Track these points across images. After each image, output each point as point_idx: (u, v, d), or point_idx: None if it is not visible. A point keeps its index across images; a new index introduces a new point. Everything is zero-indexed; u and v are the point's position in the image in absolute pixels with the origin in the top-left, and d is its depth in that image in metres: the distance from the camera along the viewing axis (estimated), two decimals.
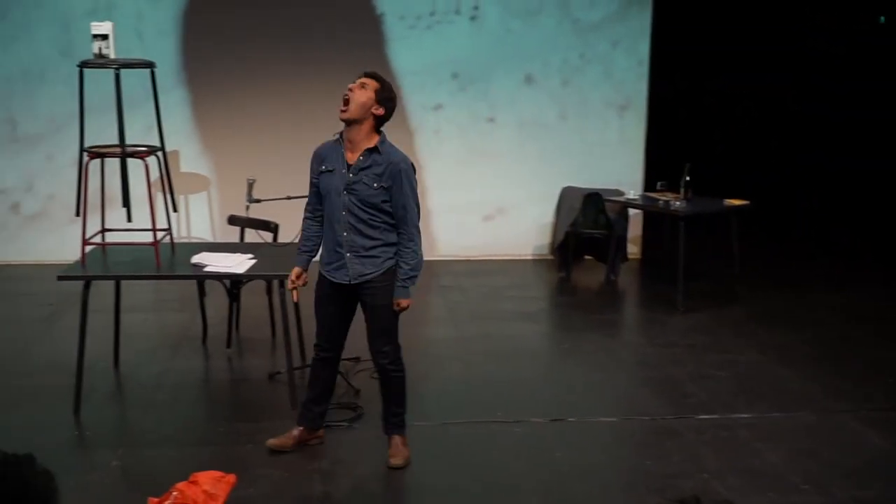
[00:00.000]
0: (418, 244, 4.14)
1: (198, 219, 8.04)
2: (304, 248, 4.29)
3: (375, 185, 4.00)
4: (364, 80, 4.05)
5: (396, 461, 4.21)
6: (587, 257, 8.14)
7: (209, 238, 7.92)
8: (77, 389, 4.76)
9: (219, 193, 8.06)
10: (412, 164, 4.10)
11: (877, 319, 6.62)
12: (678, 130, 10.19)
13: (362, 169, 4.01)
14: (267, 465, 4.20)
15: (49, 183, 7.86)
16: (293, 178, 6.83)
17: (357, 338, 5.84)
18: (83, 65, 4.96)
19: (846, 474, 4.15)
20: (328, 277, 4.15)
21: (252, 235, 5.73)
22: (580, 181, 8.07)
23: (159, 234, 4.99)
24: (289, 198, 5.12)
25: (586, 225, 7.85)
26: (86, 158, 4.91)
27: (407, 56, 8.07)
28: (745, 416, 4.84)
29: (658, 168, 8.10)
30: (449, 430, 4.64)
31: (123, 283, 5.50)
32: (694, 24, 10.58)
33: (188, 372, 5.50)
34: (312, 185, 4.19)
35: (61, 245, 7.34)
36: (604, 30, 8.18)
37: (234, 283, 5.60)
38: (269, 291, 5.71)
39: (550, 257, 8.31)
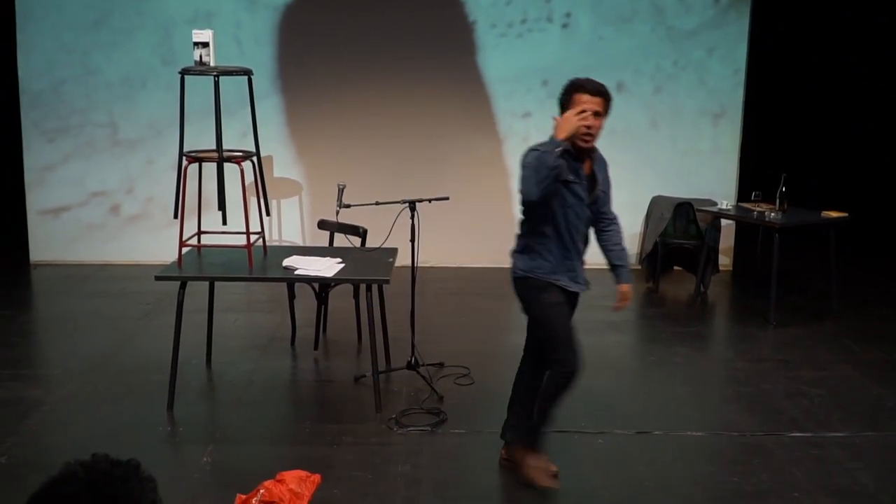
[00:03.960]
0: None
1: (289, 223, 8.21)
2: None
3: (606, 190, 4.05)
4: (600, 103, 3.85)
5: (544, 481, 4.02)
6: (676, 268, 8.00)
7: (300, 242, 8.08)
8: (171, 386, 4.91)
9: (310, 198, 8.21)
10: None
11: None
12: (775, 140, 9.93)
13: (598, 178, 3.99)
14: (351, 467, 4.26)
15: (148, 186, 8.13)
16: (382, 184, 6.95)
17: (441, 342, 5.91)
18: (184, 72, 5.12)
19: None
20: (566, 287, 4.02)
21: (341, 240, 5.82)
22: (671, 190, 7.95)
23: (252, 237, 5.12)
24: (377, 203, 5.19)
25: (676, 235, 7.72)
26: (184, 163, 5.07)
27: (497, 64, 8.08)
28: (838, 434, 4.68)
29: (753, 178, 7.90)
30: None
31: (217, 283, 5.65)
32: (793, 30, 10.30)
33: (276, 372, 5.62)
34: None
35: (159, 246, 7.60)
36: (699, 37, 8.04)
37: (322, 287, 5.69)
38: (356, 295, 5.79)
39: (639, 267, 8.19)
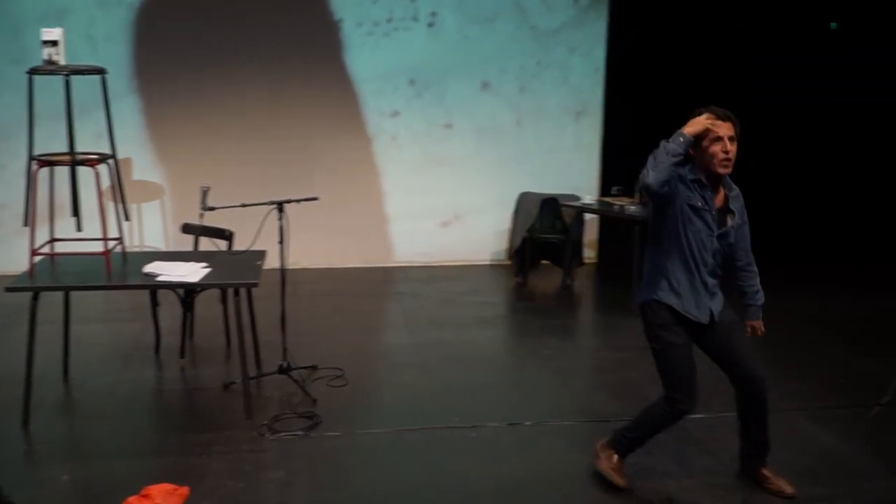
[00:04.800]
0: None
1: (151, 228, 7.94)
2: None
3: (739, 226, 3.97)
4: (730, 128, 3.79)
5: (788, 489, 4.03)
6: (544, 262, 8.18)
7: (163, 247, 7.83)
8: (26, 402, 4.67)
9: (172, 202, 7.97)
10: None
11: (826, 321, 6.74)
12: (634, 136, 10.27)
13: (734, 212, 3.93)
14: (221, 476, 4.15)
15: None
16: (248, 186, 6.80)
17: (314, 344, 5.84)
18: (32, 71, 4.88)
19: (799, 473, 4.20)
20: (692, 318, 3.97)
21: (207, 244, 5.67)
22: (537, 187, 8.12)
23: (110, 244, 4.92)
24: (244, 205, 5.08)
25: (543, 230, 7.90)
26: (34, 167, 4.83)
27: (364, 63, 8.06)
28: (701, 416, 4.86)
29: (614, 173, 8.17)
30: (405, 436, 4.63)
31: (74, 293, 5.41)
32: (650, 30, 10.69)
33: (140, 383, 5.42)
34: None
35: (10, 255, 7.19)
36: (561, 36, 8.24)
37: (187, 293, 5.53)
38: (223, 300, 5.65)
39: (508, 262, 8.34)
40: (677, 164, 3.73)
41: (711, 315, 3.97)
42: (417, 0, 8.03)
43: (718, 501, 4.01)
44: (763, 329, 4.12)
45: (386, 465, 4.34)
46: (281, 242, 5.08)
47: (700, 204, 3.83)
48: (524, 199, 8.08)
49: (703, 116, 3.80)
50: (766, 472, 4.12)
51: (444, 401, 5.12)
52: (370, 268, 8.25)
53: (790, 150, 9.63)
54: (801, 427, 4.78)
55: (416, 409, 5.03)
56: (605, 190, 8.05)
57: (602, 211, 7.41)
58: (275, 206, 5.11)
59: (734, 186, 3.94)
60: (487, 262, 8.43)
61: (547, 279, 7.96)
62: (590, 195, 7.78)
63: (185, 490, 3.77)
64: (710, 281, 3.94)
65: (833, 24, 8.90)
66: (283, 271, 5.15)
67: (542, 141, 8.36)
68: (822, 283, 7.88)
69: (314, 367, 5.51)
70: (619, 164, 8.51)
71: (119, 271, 4.92)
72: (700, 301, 3.93)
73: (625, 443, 4.17)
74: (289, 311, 5.28)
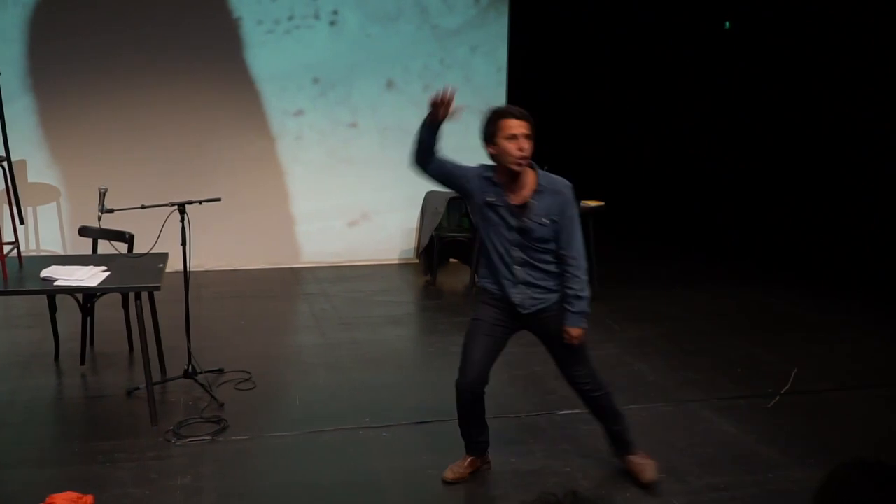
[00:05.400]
0: None
1: (47, 231, 7.69)
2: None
3: (549, 223, 3.90)
4: (527, 126, 3.86)
5: (648, 475, 4.10)
6: (452, 260, 8.25)
7: (60, 251, 7.59)
8: None
9: (69, 204, 7.73)
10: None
11: (727, 314, 6.98)
12: (537, 134, 10.46)
13: (534, 208, 3.89)
14: (126, 484, 4.06)
15: None
16: (148, 187, 6.66)
17: (221, 348, 5.75)
18: None
19: (700, 462, 4.35)
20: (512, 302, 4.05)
21: (106, 247, 5.53)
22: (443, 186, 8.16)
23: (6, 248, 4.75)
24: (144, 207, 4.97)
25: (450, 228, 7.96)
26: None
27: (266, 61, 7.97)
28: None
29: None
30: (315, 438, 4.61)
31: None
32: (551, 29, 10.89)
33: (40, 391, 5.24)
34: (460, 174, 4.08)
35: None
36: (463, 35, 8.31)
37: (86, 297, 5.38)
38: (125, 304, 5.52)
39: (416, 261, 8.38)
40: (427, 146, 4.09)
41: (531, 308, 4.02)
42: None
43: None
44: (578, 338, 4.00)
45: (296, 467, 4.31)
46: (183, 244, 4.98)
47: (493, 199, 3.95)
48: (431, 198, 8.13)
49: (502, 136, 3.86)
50: (631, 458, 4.22)
51: (355, 401, 5.11)
52: (277, 269, 8.17)
53: (702, 143, 9.95)
54: (702, 417, 4.95)
55: (326, 410, 5.01)
56: None
57: None
58: (176, 207, 5.00)
59: (559, 184, 3.92)
60: (396, 262, 8.45)
61: (455, 277, 8.03)
62: None
63: (89, 499, 3.68)
64: (523, 274, 3.97)
65: (727, 24, 9.23)
66: (186, 274, 5.05)
67: (448, 140, 8.33)
68: (722, 275, 8.17)
69: (221, 371, 5.43)
70: None
71: (15, 276, 4.75)
72: (510, 291, 4.01)
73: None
74: (193, 315, 5.20)
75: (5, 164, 4.93)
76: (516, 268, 3.95)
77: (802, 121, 8.43)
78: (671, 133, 10.30)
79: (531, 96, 10.05)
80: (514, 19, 8.43)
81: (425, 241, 8.04)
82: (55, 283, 4.65)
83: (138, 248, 5.39)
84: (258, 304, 7.20)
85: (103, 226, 5.23)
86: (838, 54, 7.94)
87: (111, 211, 4.88)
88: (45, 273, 4.73)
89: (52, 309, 5.61)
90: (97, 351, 5.78)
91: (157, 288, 4.70)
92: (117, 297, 5.50)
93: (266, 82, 8.01)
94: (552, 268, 3.97)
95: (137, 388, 5.07)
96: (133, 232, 5.50)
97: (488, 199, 3.94)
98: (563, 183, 3.95)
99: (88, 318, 5.56)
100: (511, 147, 3.84)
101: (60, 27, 7.53)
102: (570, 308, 3.98)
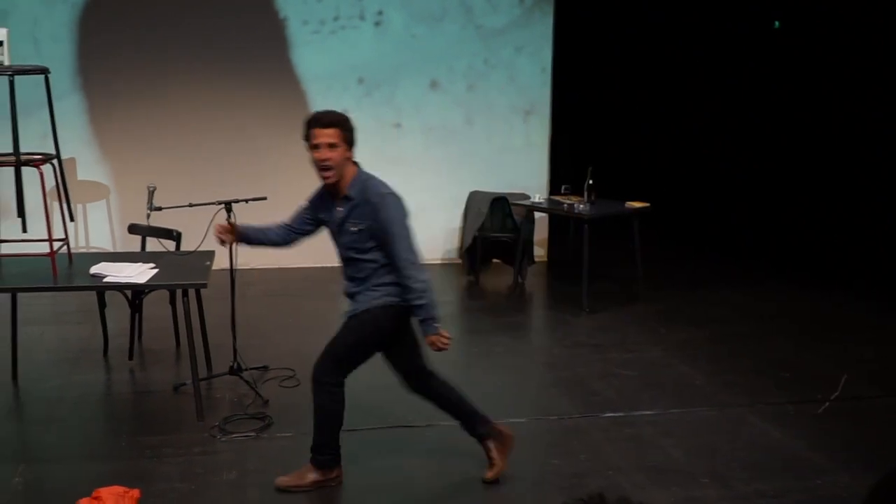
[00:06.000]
0: None
1: (97, 228, 7.82)
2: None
3: (366, 229, 3.92)
4: (327, 134, 3.83)
5: (285, 479, 4.05)
6: (495, 261, 8.24)
7: (109, 248, 7.71)
8: None
9: (118, 202, 7.85)
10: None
11: (773, 317, 6.88)
12: (582, 135, 10.40)
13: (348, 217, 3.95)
14: (172, 478, 4.12)
15: None
16: (195, 185, 6.74)
17: (265, 345, 5.80)
18: None
19: (746, 467, 4.30)
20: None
21: (154, 244, 5.61)
22: (487, 185, 8.17)
23: (56, 245, 4.84)
24: (191, 205, 5.03)
25: (493, 229, 7.95)
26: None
27: (311, 61, 8.03)
28: (649, 412, 4.97)
29: (563, 172, 8.26)
30: (358, 436, 4.62)
31: (20, 295, 5.31)
32: (596, 30, 10.82)
33: (89, 385, 5.34)
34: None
35: None
36: (507, 35, 8.29)
37: (135, 294, 5.46)
38: (172, 301, 5.59)
39: (459, 261, 8.37)
40: (273, 242, 4.35)
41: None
42: None
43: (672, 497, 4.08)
44: (436, 344, 3.97)
45: (343, 463, 4.33)
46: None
47: (322, 215, 4.05)
48: (474, 198, 8.12)
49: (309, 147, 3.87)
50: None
51: (398, 399, 5.09)
52: (321, 267, 8.20)
53: (750, 143, 9.83)
54: (749, 421, 4.88)
55: (368, 408, 5.02)
56: (554, 189, 8.13)
57: (551, 209, 7.48)
58: (223, 205, 5.05)
59: (371, 191, 3.87)
60: (438, 261, 8.46)
61: (498, 277, 8.01)
62: (539, 194, 7.85)
63: (135, 493, 3.74)
64: (349, 284, 4.04)
65: (776, 23, 9.10)
66: (232, 272, 5.11)
67: (492, 140, 8.41)
68: (770, 278, 8.06)
69: (265, 368, 5.48)
70: (568, 163, 8.63)
71: (65, 273, 4.84)
72: (351, 298, 4.07)
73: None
74: (239, 312, 5.25)
75: (55, 161, 5.02)
76: (347, 281, 4.05)
77: (816, 120, 8.32)
78: (683, 133, 10.21)
79: (577, 96, 10.00)
80: (559, 19, 8.40)
81: (468, 241, 8.03)
82: (104, 280, 4.73)
83: (185, 246, 5.46)
84: (302, 302, 7.25)
85: (152, 223, 5.31)
86: (850, 54, 7.82)
87: (159, 209, 4.95)
88: (94, 270, 4.81)
89: (102, 305, 5.70)
90: (145, 347, 5.86)
91: (204, 285, 4.76)
92: (165, 293, 5.57)
93: (311, 82, 8.06)
94: (370, 276, 3.96)
95: (184, 384, 5.14)
96: (180, 230, 5.57)
97: (320, 214, 4.07)
98: (376, 191, 3.89)
99: (137, 315, 5.64)
100: (314, 157, 3.87)
101: (109, 26, 7.65)
102: (417, 318, 3.96)
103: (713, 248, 9.30)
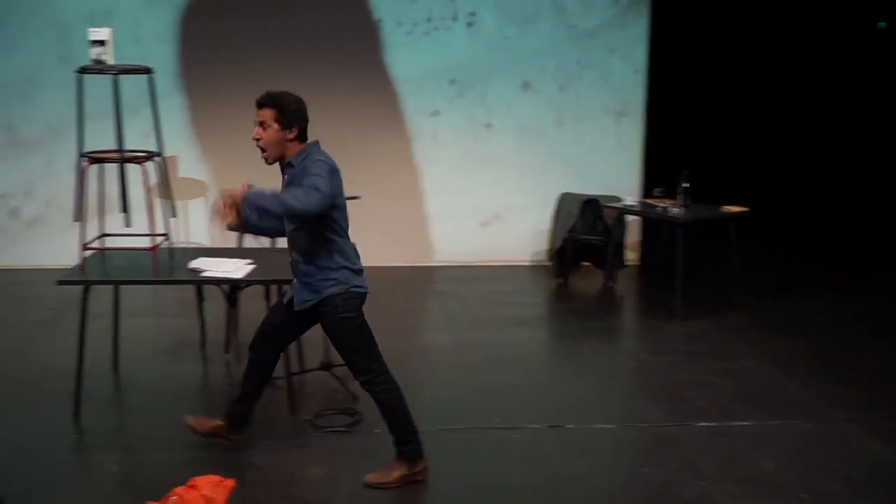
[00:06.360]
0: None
1: (196, 224, 8.04)
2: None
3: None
4: (261, 114, 3.90)
5: (373, 477, 4.09)
6: (585, 263, 8.15)
7: (208, 243, 7.92)
8: (76, 394, 4.76)
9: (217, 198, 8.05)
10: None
11: (876, 328, 6.63)
12: (677, 136, 10.22)
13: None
14: (265, 470, 4.21)
15: (48, 188, 7.87)
16: None
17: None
18: (82, 71, 4.96)
19: (845, 482, 4.15)
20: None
21: (251, 241, 5.73)
22: (578, 187, 8.09)
23: (157, 239, 5.00)
24: None
25: (584, 231, 7.87)
26: (84, 164, 4.91)
27: (405, 62, 8.09)
28: (744, 423, 4.84)
29: (656, 174, 8.12)
30: (446, 436, 4.64)
31: (122, 287, 5.49)
32: (693, 30, 10.62)
33: (187, 377, 5.49)
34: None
35: (61, 249, 7.34)
36: (600, 36, 8.21)
37: (232, 289, 5.59)
38: (267, 297, 5.69)
39: (548, 263, 8.32)
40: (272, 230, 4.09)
41: (300, 306, 4.03)
42: (457, 0, 8.04)
43: None
44: (227, 197, 3.78)
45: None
46: None
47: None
48: (565, 200, 8.06)
49: None
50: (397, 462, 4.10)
51: (485, 401, 5.12)
52: (410, 267, 8.27)
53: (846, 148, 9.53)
54: (851, 436, 4.70)
55: (457, 408, 5.04)
56: (647, 191, 8.01)
57: (644, 212, 7.36)
58: None
59: (309, 160, 3.90)
60: (527, 263, 8.42)
61: (588, 281, 7.93)
62: (631, 196, 7.74)
63: (230, 482, 3.81)
64: (299, 266, 3.99)
65: (881, 24, 8.78)
66: None
67: (583, 141, 8.34)
68: (874, 286, 7.77)
69: None
70: (661, 166, 8.48)
71: (166, 266, 4.99)
72: (294, 284, 4.05)
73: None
74: None
75: (158, 159, 5.18)
76: (296, 262, 4.01)
77: None
78: (784, 136, 9.90)
79: (671, 97, 9.83)
80: (655, 20, 8.26)
81: (558, 243, 7.98)
82: (203, 275, 4.86)
83: (281, 242, 5.55)
84: (391, 301, 7.30)
85: None
86: None
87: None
88: (193, 264, 4.95)
89: (200, 299, 5.86)
90: (240, 340, 5.98)
91: None
92: (260, 288, 5.67)
93: (404, 83, 8.13)
94: (317, 259, 3.92)
95: (277, 378, 5.22)
96: None
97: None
98: (317, 156, 3.95)
99: (233, 309, 5.77)
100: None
101: (210, 28, 7.86)
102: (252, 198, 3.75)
103: (815, 254, 9.00)
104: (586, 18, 8.17)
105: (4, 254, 7.90)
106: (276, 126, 3.91)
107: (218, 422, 4.38)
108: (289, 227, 3.98)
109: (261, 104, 3.93)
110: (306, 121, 4.02)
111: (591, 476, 4.26)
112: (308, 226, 3.89)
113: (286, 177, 3.97)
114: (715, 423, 4.83)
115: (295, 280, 4.07)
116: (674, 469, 4.30)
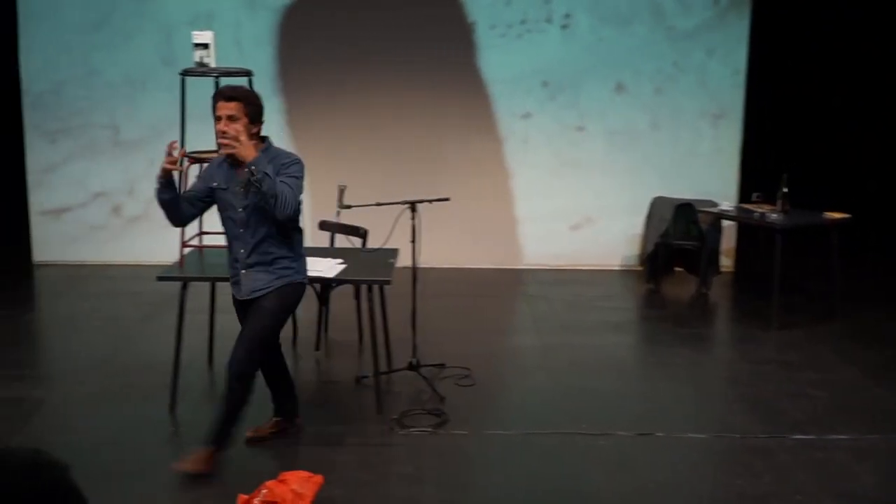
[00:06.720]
0: None
1: None
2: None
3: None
4: (229, 108, 3.93)
5: (183, 465, 4.10)
6: (677, 269, 8.00)
7: None
8: (173, 387, 4.90)
9: (310, 199, 8.17)
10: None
11: None
12: (776, 140, 9.92)
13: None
14: (353, 467, 4.25)
15: (150, 186, 7.99)
16: (382, 185, 6.92)
17: (442, 343, 5.90)
18: (185, 73, 5.12)
19: None
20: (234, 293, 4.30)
21: (342, 241, 5.82)
22: (672, 191, 7.95)
23: None
24: (378, 204, 5.18)
25: (677, 236, 7.72)
26: (185, 163, 5.06)
27: (497, 64, 8.08)
28: (842, 437, 4.67)
29: (754, 179, 7.90)
30: (532, 439, 4.62)
31: (219, 284, 5.63)
32: (795, 31, 10.30)
33: None
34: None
35: (160, 246, 7.55)
36: (699, 38, 8.04)
37: (323, 287, 5.68)
38: (357, 296, 5.78)
39: (639, 268, 8.19)
40: (173, 205, 4.16)
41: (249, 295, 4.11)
42: (552, 2, 8.00)
43: None
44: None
45: (512, 467, 4.34)
46: (413, 241, 5.15)
47: (217, 184, 4.01)
48: (658, 204, 7.92)
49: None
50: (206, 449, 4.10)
51: (573, 406, 5.07)
52: (499, 269, 8.26)
53: None
54: None
55: (543, 412, 5.01)
56: (744, 196, 7.80)
57: (741, 218, 7.18)
58: (408, 205, 5.19)
59: (282, 156, 4.01)
60: (618, 267, 8.31)
61: (680, 287, 7.77)
62: (728, 201, 7.55)
63: (319, 478, 3.88)
64: (249, 257, 4.03)
65: None
66: (414, 270, 5.22)
67: (678, 145, 8.18)
68: None
69: (442, 366, 5.56)
70: (760, 170, 8.24)
71: None
72: (237, 277, 4.12)
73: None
74: (418, 310, 5.35)
75: None
76: (241, 254, 4.05)
77: None
78: (893, 141, 9.47)
79: (772, 100, 9.56)
80: (755, 19, 8.06)
81: (650, 247, 7.84)
82: None
83: (371, 243, 5.63)
84: (479, 302, 7.32)
85: (341, 221, 5.51)
86: None
87: (349, 207, 5.12)
88: None
89: None
90: (330, 338, 6.09)
91: (389, 282, 4.89)
92: (350, 288, 5.76)
93: (496, 85, 8.12)
94: (277, 250, 4.03)
95: (365, 377, 5.30)
96: (367, 227, 5.75)
97: (213, 184, 4.04)
98: (286, 154, 4.02)
99: (324, 307, 5.87)
100: (216, 128, 3.90)
101: (306, 31, 8.01)
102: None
103: None
104: (685, 19, 8.02)
105: (106, 250, 8.20)
106: (245, 119, 3.96)
107: (273, 420, 4.52)
108: (243, 215, 4.06)
109: (229, 97, 3.97)
110: (263, 116, 4.11)
111: (681, 487, 4.18)
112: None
113: (246, 171, 3.97)
114: (811, 436, 4.67)
115: (244, 272, 4.13)
116: (768, 482, 4.17)
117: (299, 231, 4.28)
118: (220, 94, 4.02)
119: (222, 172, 4.15)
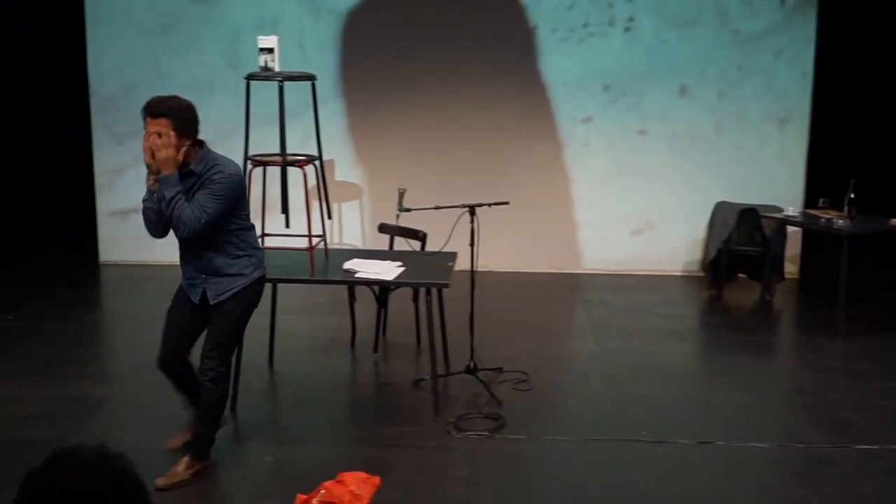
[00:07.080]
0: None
1: (350, 226, 8.27)
2: None
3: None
4: (157, 124, 3.82)
5: (162, 480, 4.02)
6: (740, 275, 7.86)
7: (360, 245, 8.13)
8: (234, 386, 4.97)
9: (370, 202, 8.27)
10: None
11: None
12: (844, 145, 9.70)
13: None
14: (410, 470, 4.28)
15: None
16: (441, 189, 6.95)
17: (499, 347, 5.89)
18: (250, 77, 5.20)
19: None
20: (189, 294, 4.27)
21: (401, 243, 5.85)
22: (735, 196, 7.82)
23: (314, 240, 5.18)
24: (437, 207, 5.21)
25: (741, 241, 7.59)
26: (249, 167, 5.15)
27: (558, 68, 8.05)
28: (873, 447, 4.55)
29: (821, 184, 7.73)
30: (590, 446, 4.59)
31: (279, 285, 5.71)
32: (864, 32, 10.06)
33: (337, 373, 5.67)
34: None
35: None
36: (765, 40, 7.90)
37: (382, 290, 5.72)
38: (415, 299, 5.81)
39: (701, 274, 8.08)
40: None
41: (207, 299, 4.07)
42: (615, 5, 7.94)
43: None
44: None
45: (570, 473, 4.32)
46: (472, 245, 5.16)
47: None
48: (721, 209, 7.80)
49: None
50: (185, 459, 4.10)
51: (631, 413, 5.02)
52: (558, 273, 8.21)
53: None
54: None
55: (601, 418, 4.97)
56: (810, 202, 7.64)
57: (807, 224, 7.03)
58: (467, 209, 5.19)
59: (212, 169, 3.95)
60: (679, 273, 8.20)
61: (743, 293, 7.64)
62: (793, 207, 7.41)
63: (376, 480, 3.91)
64: (202, 267, 4.03)
65: None
66: (472, 273, 5.23)
67: (743, 149, 8.05)
68: None
69: (500, 370, 5.56)
70: (826, 175, 8.05)
71: (321, 267, 5.16)
72: (192, 281, 4.13)
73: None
74: (476, 313, 5.35)
75: (318, 162, 5.36)
76: (197, 260, 4.11)
77: None
78: None
79: (840, 103, 9.35)
80: (823, 20, 7.89)
81: (712, 253, 7.73)
82: (356, 275, 5.00)
83: (430, 247, 5.65)
84: (538, 307, 7.29)
85: (400, 224, 5.55)
86: None
87: (408, 210, 5.16)
88: (347, 265, 5.10)
89: (352, 299, 6.02)
90: (388, 340, 6.13)
91: (447, 285, 4.90)
92: (409, 291, 5.79)
93: (557, 89, 8.09)
94: (226, 259, 4.02)
95: (423, 379, 5.32)
96: (426, 231, 5.77)
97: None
98: (221, 165, 3.98)
99: (382, 310, 5.91)
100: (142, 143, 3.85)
101: (368, 37, 8.07)
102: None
103: None
104: (750, 22, 7.88)
105: (171, 250, 8.18)
106: (172, 134, 3.85)
107: (189, 423, 4.41)
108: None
109: (155, 114, 3.83)
110: (198, 124, 4.00)
111: (742, 497, 4.11)
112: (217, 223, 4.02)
113: (186, 185, 3.96)
114: (877, 447, 4.56)
115: (202, 276, 4.13)
116: (831, 493, 4.08)
117: (246, 229, 4.18)
118: (147, 108, 3.89)
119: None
